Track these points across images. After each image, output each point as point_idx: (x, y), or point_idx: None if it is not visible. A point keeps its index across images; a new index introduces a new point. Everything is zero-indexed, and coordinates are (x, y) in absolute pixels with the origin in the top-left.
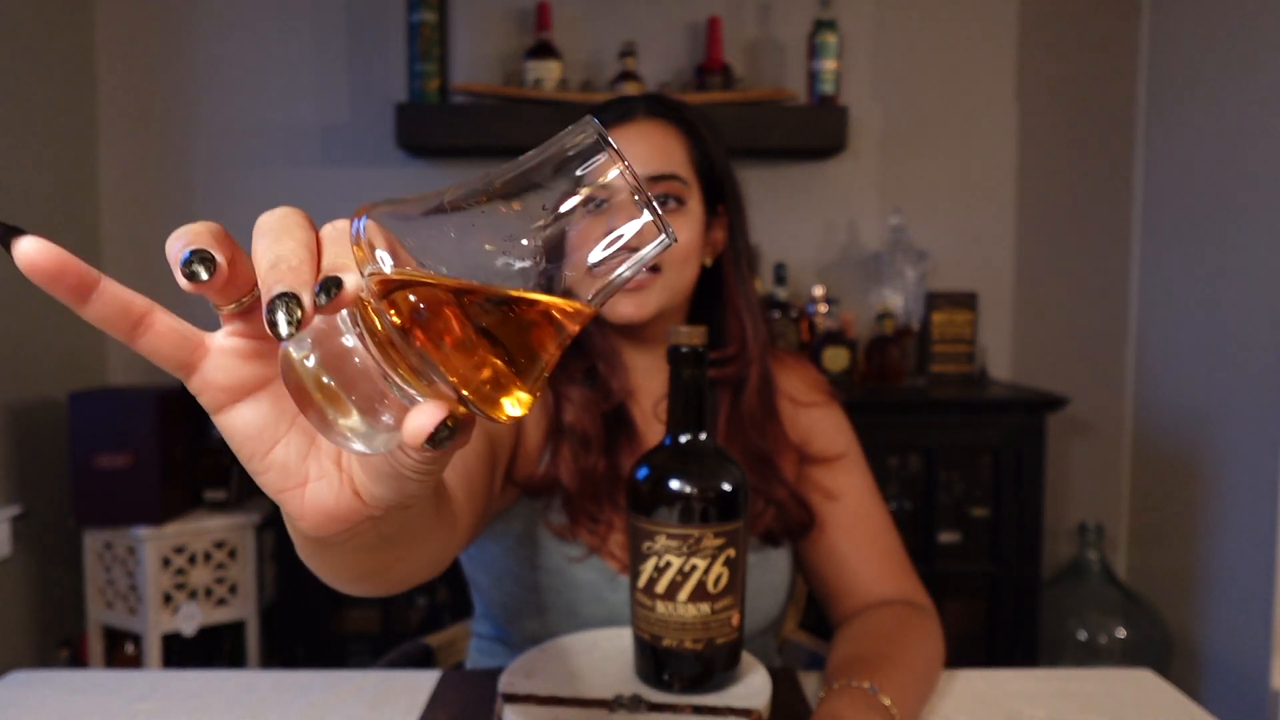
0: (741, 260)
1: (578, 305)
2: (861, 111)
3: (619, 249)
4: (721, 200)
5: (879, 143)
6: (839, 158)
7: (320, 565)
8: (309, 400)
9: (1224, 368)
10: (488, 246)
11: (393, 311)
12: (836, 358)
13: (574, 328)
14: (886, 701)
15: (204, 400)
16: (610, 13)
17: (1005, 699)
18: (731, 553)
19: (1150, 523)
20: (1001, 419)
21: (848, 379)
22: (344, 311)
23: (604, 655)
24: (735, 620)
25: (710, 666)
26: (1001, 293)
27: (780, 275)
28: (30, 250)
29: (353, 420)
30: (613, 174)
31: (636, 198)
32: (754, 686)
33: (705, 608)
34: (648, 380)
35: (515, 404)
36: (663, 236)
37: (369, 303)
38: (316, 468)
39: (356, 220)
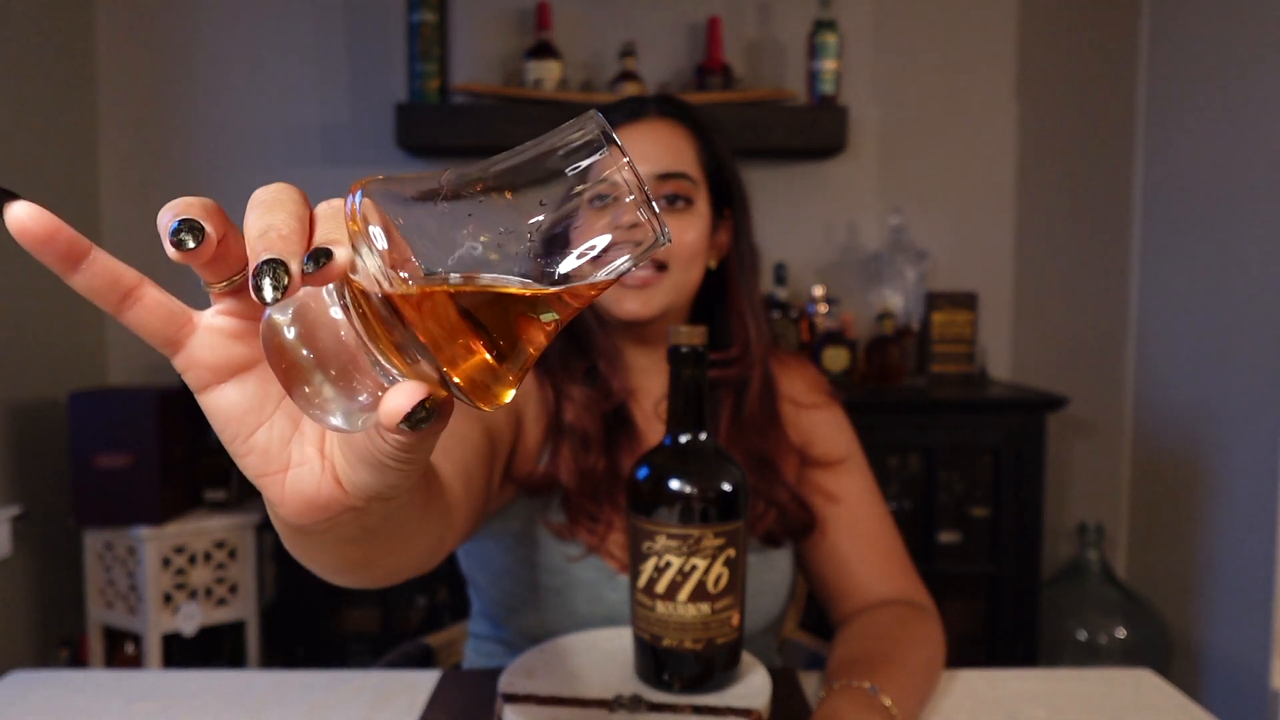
0: (746, 263)
1: (568, 298)
2: (861, 111)
3: (615, 244)
4: (728, 203)
5: (879, 143)
6: (839, 158)
7: (304, 555)
8: (288, 370)
9: (1224, 368)
10: (483, 235)
11: (384, 285)
12: (836, 358)
13: (563, 320)
14: (887, 702)
15: (189, 379)
16: (610, 13)
17: (1005, 699)
18: (731, 553)
19: (1150, 522)
20: (1001, 419)
21: (848, 379)
22: (330, 286)
23: (604, 655)
24: (735, 620)
25: (710, 666)
26: (1001, 293)
27: (780, 275)
28: (21, 214)
29: (330, 394)
30: (613, 169)
31: (635, 195)
32: (754, 686)
33: (705, 608)
34: (649, 380)
35: (497, 391)
36: (657, 238)
37: (357, 279)
38: (299, 453)
39: (352, 195)
